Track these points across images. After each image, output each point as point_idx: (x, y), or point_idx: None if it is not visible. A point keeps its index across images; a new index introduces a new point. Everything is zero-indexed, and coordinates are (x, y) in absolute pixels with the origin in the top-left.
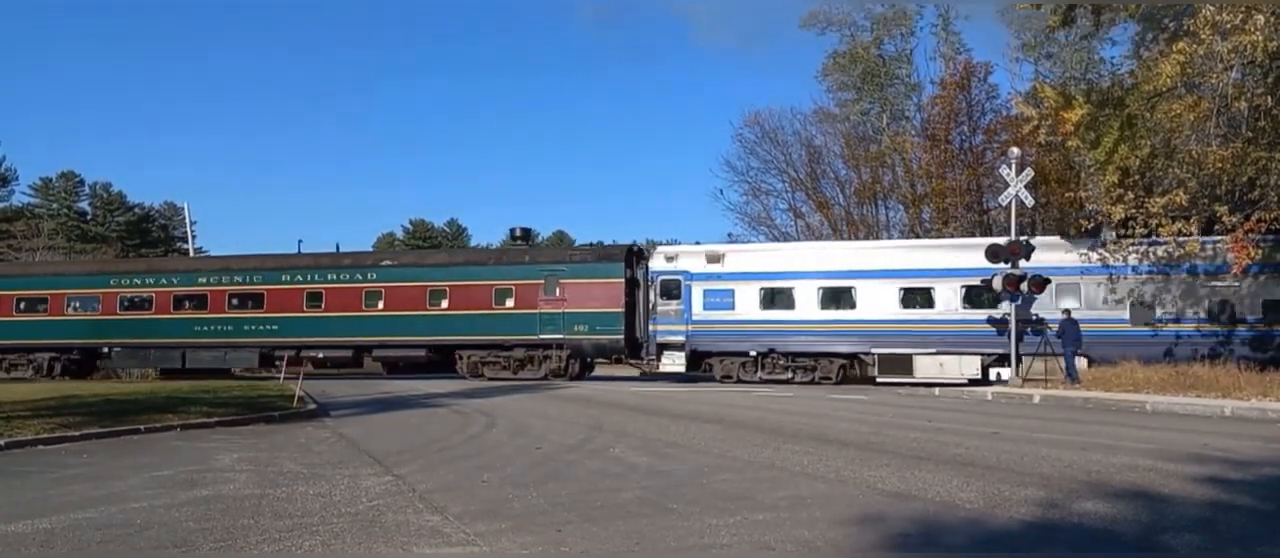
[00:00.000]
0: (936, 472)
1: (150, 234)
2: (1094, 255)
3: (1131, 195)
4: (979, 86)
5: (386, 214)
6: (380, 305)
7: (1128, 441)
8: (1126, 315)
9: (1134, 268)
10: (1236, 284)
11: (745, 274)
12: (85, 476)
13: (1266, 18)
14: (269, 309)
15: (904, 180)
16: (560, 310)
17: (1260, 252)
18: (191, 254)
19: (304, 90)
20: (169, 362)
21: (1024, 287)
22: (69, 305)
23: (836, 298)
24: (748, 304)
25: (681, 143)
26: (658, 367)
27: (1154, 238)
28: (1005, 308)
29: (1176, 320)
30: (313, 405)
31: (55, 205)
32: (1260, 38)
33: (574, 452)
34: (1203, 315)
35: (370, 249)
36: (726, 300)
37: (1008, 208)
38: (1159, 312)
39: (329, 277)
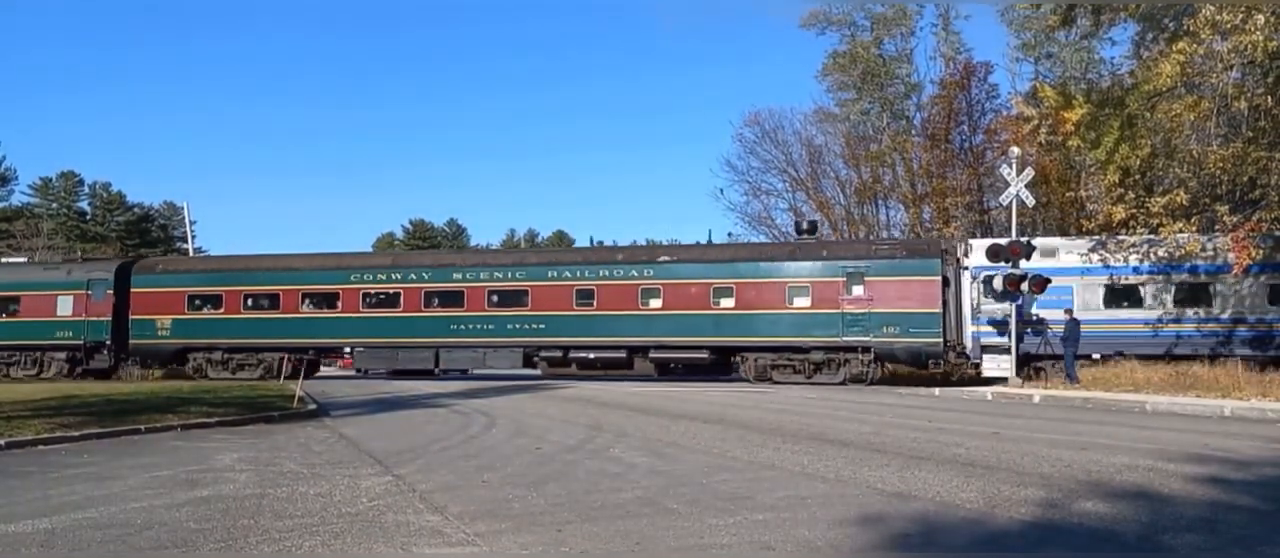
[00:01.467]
0: (937, 472)
1: (150, 234)
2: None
3: (1132, 195)
4: (979, 86)
5: (386, 214)
6: (657, 303)
7: (1128, 441)
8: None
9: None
10: (1237, 284)
11: (1086, 270)
12: (85, 476)
13: (1266, 18)
14: (534, 307)
15: (904, 180)
16: (866, 311)
17: (1261, 252)
18: (191, 254)
19: (304, 91)
20: (418, 362)
21: (1025, 287)
22: (303, 302)
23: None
24: (1091, 302)
25: (682, 143)
26: (980, 371)
27: (1154, 238)
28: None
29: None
30: (313, 406)
31: (55, 205)
32: (1260, 38)
33: (574, 452)
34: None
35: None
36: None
37: (1008, 208)
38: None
39: (601, 273)
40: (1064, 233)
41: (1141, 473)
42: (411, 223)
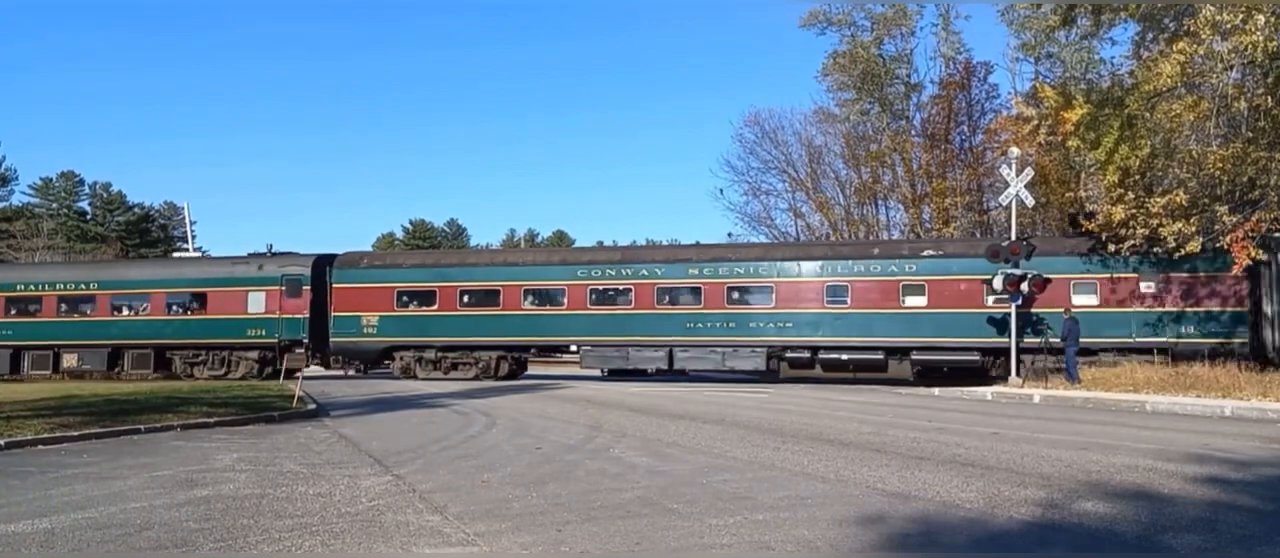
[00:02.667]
0: (937, 472)
1: (150, 234)
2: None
3: (1132, 195)
4: (979, 86)
5: (387, 214)
6: (920, 301)
7: (1128, 440)
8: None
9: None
10: (1237, 284)
11: None
12: (85, 475)
13: (1266, 17)
14: (780, 304)
15: (904, 180)
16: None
17: (1261, 252)
18: (191, 255)
19: (304, 91)
20: (650, 362)
21: (1025, 287)
22: (525, 299)
23: None
24: None
25: (682, 143)
26: None
27: (1154, 238)
28: None
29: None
30: (312, 406)
31: (55, 205)
32: (1260, 38)
33: (574, 452)
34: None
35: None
36: None
37: (1008, 208)
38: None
39: (855, 268)
40: (1063, 233)
41: (1142, 473)
42: (412, 223)
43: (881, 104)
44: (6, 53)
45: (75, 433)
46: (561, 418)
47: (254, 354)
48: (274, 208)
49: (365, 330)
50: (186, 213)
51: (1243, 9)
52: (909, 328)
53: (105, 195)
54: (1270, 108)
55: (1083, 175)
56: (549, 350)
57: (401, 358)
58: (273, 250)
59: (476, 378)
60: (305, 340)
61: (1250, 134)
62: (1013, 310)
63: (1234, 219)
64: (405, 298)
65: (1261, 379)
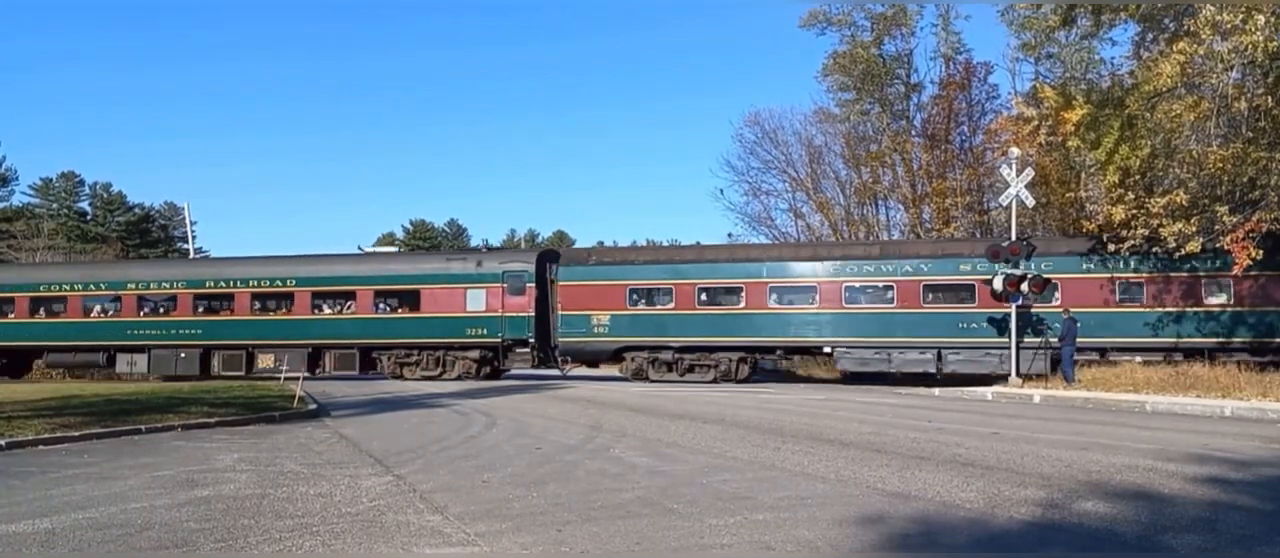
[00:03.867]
0: (937, 472)
1: (150, 234)
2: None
3: (1132, 196)
4: (979, 86)
5: (387, 214)
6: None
7: (1128, 441)
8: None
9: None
10: (1237, 284)
11: None
12: (85, 476)
13: (1267, 17)
14: (1067, 301)
15: (904, 180)
16: None
17: (1261, 252)
18: (192, 254)
19: (304, 91)
20: (913, 365)
21: (1025, 287)
22: (771, 296)
23: None
24: None
25: (682, 143)
26: None
27: (1154, 238)
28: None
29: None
30: (313, 406)
31: (55, 205)
32: (1260, 38)
33: (574, 452)
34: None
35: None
36: None
37: (1008, 208)
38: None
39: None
40: (1064, 233)
41: (1142, 473)
42: (412, 223)
43: (881, 104)
44: (6, 53)
45: (76, 433)
46: (561, 418)
47: (473, 354)
48: (274, 208)
49: (595, 330)
50: (186, 213)
51: (1243, 9)
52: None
53: (105, 195)
54: (1270, 108)
55: (1083, 175)
56: (797, 352)
57: (633, 359)
58: (489, 246)
59: (715, 381)
60: (531, 340)
61: (1250, 134)
62: (1013, 310)
63: (1234, 219)
64: (636, 296)
65: (1261, 379)
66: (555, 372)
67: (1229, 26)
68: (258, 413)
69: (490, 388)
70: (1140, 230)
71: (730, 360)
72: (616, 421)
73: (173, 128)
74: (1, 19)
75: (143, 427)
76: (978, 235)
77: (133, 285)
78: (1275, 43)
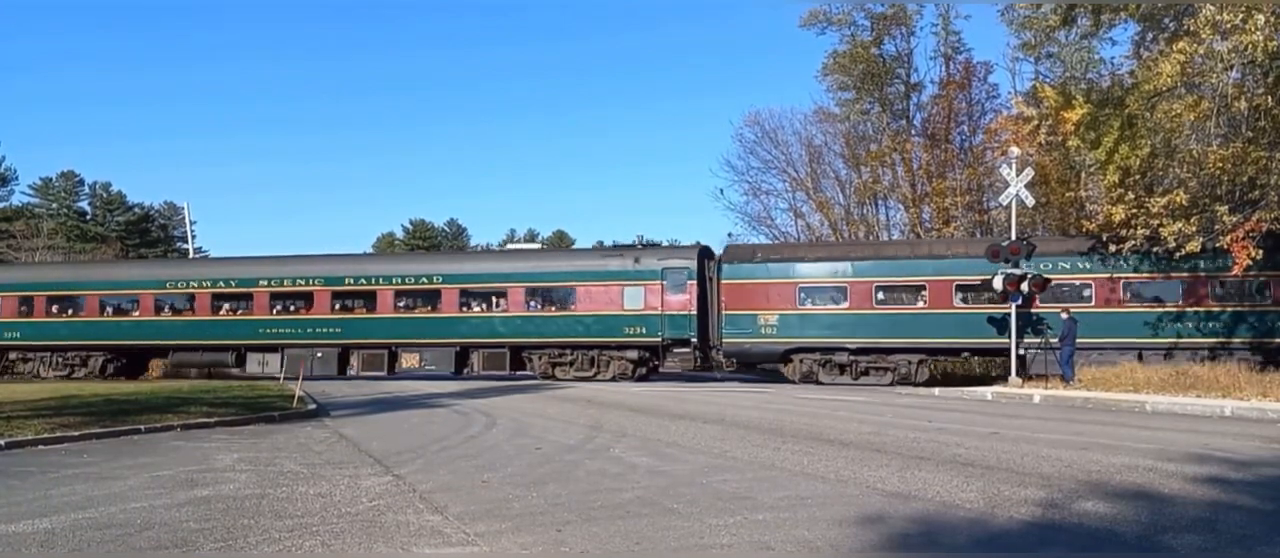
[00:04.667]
0: (937, 472)
1: (150, 234)
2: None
3: (1132, 195)
4: (979, 86)
5: (387, 214)
6: None
7: (1128, 441)
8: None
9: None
10: (1237, 284)
11: None
12: (85, 475)
13: (1267, 17)
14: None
15: (904, 180)
16: None
17: (1261, 252)
18: (191, 255)
19: (304, 91)
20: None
21: (1025, 287)
22: (956, 295)
23: None
24: None
25: (682, 143)
26: None
27: (1154, 238)
28: None
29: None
30: (313, 406)
31: (55, 205)
32: (1260, 38)
33: (574, 452)
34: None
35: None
36: None
37: (1008, 208)
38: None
39: None
40: (1064, 233)
41: (1142, 473)
42: (412, 223)
43: (881, 104)
44: (6, 53)
45: (75, 433)
46: (561, 418)
47: (631, 354)
48: (274, 208)
49: (763, 331)
50: (186, 213)
51: (1243, 9)
52: None
53: (105, 195)
54: (1270, 107)
55: (1083, 175)
56: (985, 354)
57: (802, 361)
58: (644, 242)
59: (892, 385)
60: (693, 339)
61: (1250, 134)
62: (1013, 310)
63: (1234, 219)
64: (805, 294)
65: (1261, 379)
66: (710, 374)
67: (1229, 26)
68: (257, 413)
69: (490, 388)
70: (1140, 230)
71: (909, 363)
72: (616, 420)
73: (173, 128)
74: (1, 19)
75: (142, 427)
76: (978, 235)
77: (265, 282)
78: (1275, 42)
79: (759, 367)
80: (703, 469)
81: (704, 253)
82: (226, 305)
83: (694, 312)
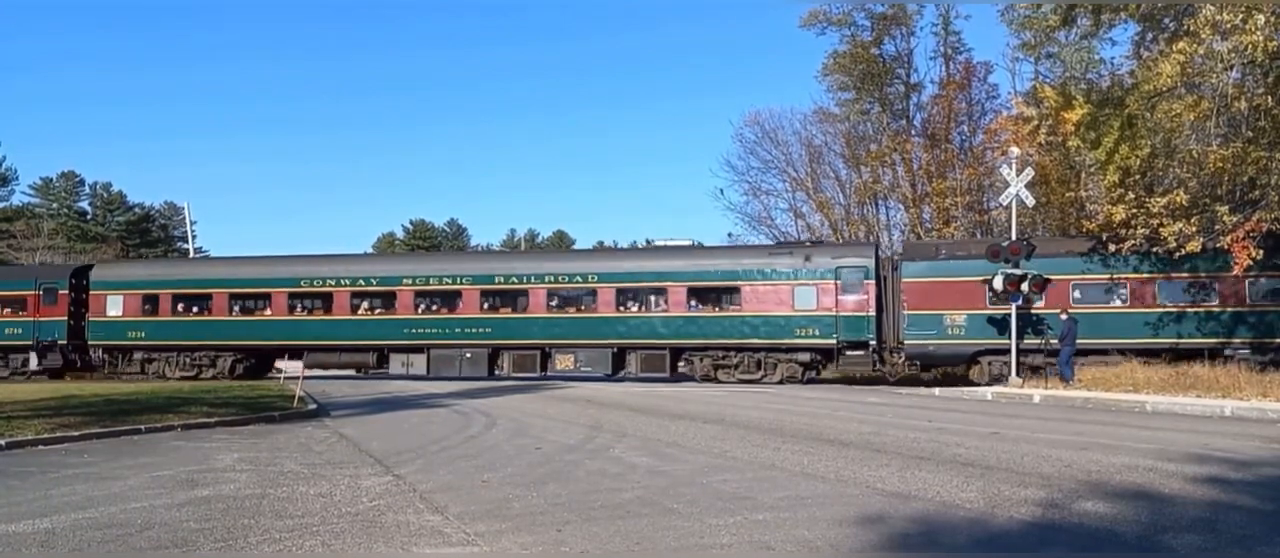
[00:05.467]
0: (937, 472)
1: (150, 234)
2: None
3: (1132, 195)
4: (979, 86)
5: (387, 214)
6: None
7: (1128, 441)
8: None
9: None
10: (1237, 284)
11: None
12: (85, 475)
13: (1267, 17)
14: None
15: (904, 180)
16: None
17: (1261, 252)
18: (192, 255)
19: (304, 91)
20: None
21: (1025, 287)
22: (1073, 292)
23: None
24: None
25: (682, 143)
26: None
27: (1154, 238)
28: None
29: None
30: (313, 406)
31: (55, 205)
32: (1260, 38)
33: (574, 452)
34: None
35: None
36: None
37: (1008, 208)
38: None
39: None
40: (1064, 233)
41: (1142, 473)
42: (412, 223)
43: (881, 104)
44: (6, 53)
45: (75, 433)
46: (561, 418)
47: (803, 357)
48: (274, 208)
49: (949, 332)
50: (187, 213)
51: (1243, 9)
52: None
53: (105, 195)
54: (1270, 107)
55: (1083, 175)
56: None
57: (989, 364)
58: (814, 239)
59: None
60: (872, 342)
61: (1250, 134)
62: (1013, 310)
63: (1234, 219)
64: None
65: (1261, 379)
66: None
67: (1229, 26)
68: (257, 413)
69: (490, 388)
70: (1140, 230)
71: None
72: (616, 420)
73: (173, 128)
74: (1, 19)
75: (142, 427)
76: (978, 235)
77: (408, 280)
78: (1275, 42)
79: (939, 370)
80: (703, 469)
81: (878, 249)
82: (365, 304)
83: (872, 312)
